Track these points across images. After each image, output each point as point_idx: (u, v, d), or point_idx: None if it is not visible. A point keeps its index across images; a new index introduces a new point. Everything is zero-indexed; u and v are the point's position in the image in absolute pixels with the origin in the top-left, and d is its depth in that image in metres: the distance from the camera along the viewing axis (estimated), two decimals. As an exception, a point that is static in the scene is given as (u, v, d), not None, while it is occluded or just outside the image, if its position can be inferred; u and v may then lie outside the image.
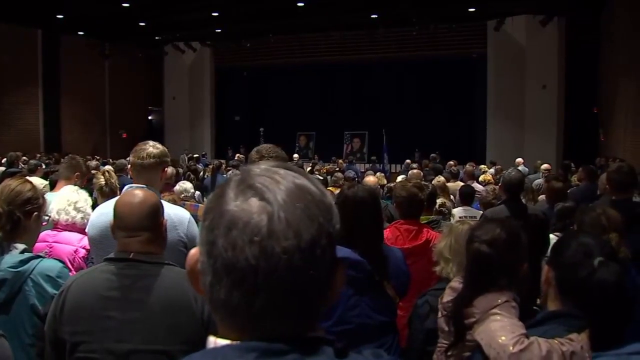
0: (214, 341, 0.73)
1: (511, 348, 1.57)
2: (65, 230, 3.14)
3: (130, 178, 3.86)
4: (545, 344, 1.52)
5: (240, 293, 0.69)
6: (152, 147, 2.63)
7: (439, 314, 2.19)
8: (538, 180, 7.76)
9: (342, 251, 2.23)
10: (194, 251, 0.77)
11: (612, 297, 1.47)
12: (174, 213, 2.49)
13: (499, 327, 1.68)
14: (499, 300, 1.80)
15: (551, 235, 3.87)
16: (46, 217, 2.56)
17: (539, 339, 1.55)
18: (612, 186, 4.04)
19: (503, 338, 1.62)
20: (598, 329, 1.47)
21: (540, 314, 1.69)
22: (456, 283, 2.14)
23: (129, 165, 2.85)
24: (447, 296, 2.15)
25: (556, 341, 1.51)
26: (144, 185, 2.42)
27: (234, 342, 0.71)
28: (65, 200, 3.21)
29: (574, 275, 1.54)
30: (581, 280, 1.51)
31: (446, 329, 2.12)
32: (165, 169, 2.72)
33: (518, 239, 1.95)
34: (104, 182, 3.87)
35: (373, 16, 16.85)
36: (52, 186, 4.29)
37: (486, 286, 1.87)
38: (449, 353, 2.05)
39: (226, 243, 0.69)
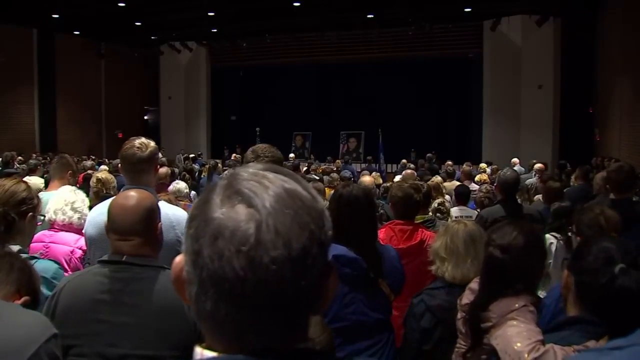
0: (200, 352, 0.70)
1: (526, 355, 1.55)
2: (62, 230, 3.13)
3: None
4: (561, 352, 1.50)
5: (227, 305, 0.65)
6: (139, 150, 2.50)
7: (458, 315, 2.17)
8: (530, 179, 7.78)
9: (337, 249, 2.24)
10: (178, 259, 0.74)
11: (632, 304, 1.42)
12: (172, 213, 2.48)
13: (515, 333, 1.66)
14: (516, 305, 1.77)
15: (547, 235, 3.88)
16: (41, 217, 2.54)
17: (555, 347, 1.52)
18: (612, 186, 4.05)
19: (519, 344, 1.60)
20: (618, 337, 1.45)
21: (558, 319, 1.66)
22: (475, 284, 2.10)
23: (119, 166, 2.81)
24: (466, 298, 2.12)
25: (572, 348, 1.49)
26: (143, 187, 2.38)
27: (221, 355, 0.68)
28: (62, 200, 3.21)
29: (594, 281, 1.50)
30: (601, 287, 1.47)
31: (463, 330, 2.10)
32: (157, 165, 2.65)
33: (536, 243, 1.91)
34: (96, 190, 3.88)
35: (369, 16, 16.85)
36: (47, 186, 4.30)
37: (501, 291, 1.83)
38: (468, 355, 2.03)
39: (212, 253, 0.65)
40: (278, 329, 0.67)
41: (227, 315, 0.66)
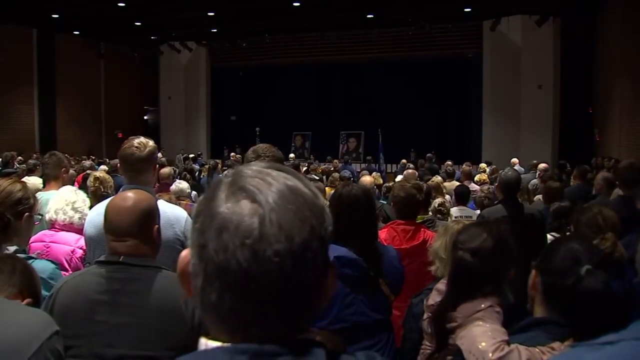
0: (205, 343, 0.73)
1: (490, 355, 1.54)
2: (63, 230, 3.14)
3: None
4: (525, 352, 1.49)
5: (232, 296, 0.68)
6: (138, 150, 2.50)
7: (424, 316, 2.16)
8: (534, 180, 7.78)
9: (338, 250, 2.23)
10: (184, 253, 0.76)
11: (598, 306, 1.42)
12: (171, 211, 2.47)
13: (480, 333, 1.65)
14: (482, 305, 1.76)
15: (548, 235, 3.88)
16: (39, 217, 2.53)
17: (520, 347, 1.52)
18: (621, 182, 4.19)
19: (483, 344, 1.59)
20: (583, 338, 1.44)
21: (524, 320, 1.65)
22: (442, 285, 2.10)
23: (118, 165, 2.80)
24: (432, 298, 2.12)
25: (537, 349, 1.49)
26: (142, 186, 2.37)
27: (225, 345, 0.70)
28: (63, 200, 3.21)
29: (560, 282, 1.50)
30: (568, 288, 1.47)
31: (429, 331, 2.09)
32: (156, 165, 2.65)
33: (505, 245, 1.87)
34: (94, 189, 3.89)
35: (369, 16, 16.85)
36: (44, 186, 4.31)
37: (470, 293, 1.81)
38: (435, 356, 2.00)
39: (217, 246, 0.68)
40: (280, 320, 0.70)
41: (231, 306, 0.68)
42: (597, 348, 0.77)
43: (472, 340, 1.64)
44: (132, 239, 1.83)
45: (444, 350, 1.92)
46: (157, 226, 1.93)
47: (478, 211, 5.73)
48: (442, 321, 1.87)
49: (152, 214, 1.92)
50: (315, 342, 0.73)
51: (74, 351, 1.72)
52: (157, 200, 2.13)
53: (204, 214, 0.71)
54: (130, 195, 1.91)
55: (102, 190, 3.89)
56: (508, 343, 1.57)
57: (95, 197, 3.81)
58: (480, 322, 1.70)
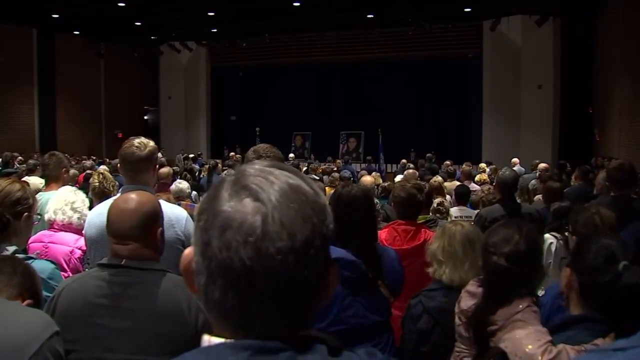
0: (208, 339, 0.73)
1: (540, 357, 1.53)
2: (62, 230, 3.13)
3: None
4: (573, 352, 1.49)
5: (235, 294, 0.69)
6: (138, 149, 2.50)
7: (457, 320, 2.12)
8: (534, 181, 7.78)
9: (337, 251, 2.23)
10: (188, 251, 0.77)
11: (638, 301, 1.42)
12: (171, 211, 2.46)
13: (524, 335, 1.63)
14: (520, 307, 1.75)
15: (546, 235, 3.88)
16: (37, 217, 2.53)
17: (567, 347, 1.51)
18: (612, 183, 4.14)
19: (530, 347, 1.57)
20: (624, 333, 1.43)
21: (561, 319, 1.65)
22: (473, 287, 2.07)
23: (118, 165, 2.80)
24: (465, 301, 2.09)
25: (583, 347, 1.48)
26: (141, 186, 2.36)
27: (228, 341, 0.71)
28: (62, 200, 3.21)
29: (597, 280, 1.50)
30: (605, 285, 1.47)
31: (465, 335, 2.05)
32: (156, 165, 2.65)
33: (536, 245, 1.88)
34: (97, 184, 3.88)
35: (369, 16, 16.84)
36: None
37: (507, 297, 1.80)
38: None
39: (221, 244, 0.69)
40: (282, 317, 0.71)
41: (234, 303, 0.69)
42: (609, 355, 0.77)
43: (517, 342, 1.63)
44: (134, 242, 1.81)
45: (486, 355, 1.89)
46: (160, 229, 1.91)
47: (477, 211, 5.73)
48: (482, 326, 1.85)
49: (155, 217, 1.89)
50: (317, 338, 0.74)
51: (74, 355, 1.71)
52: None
53: (208, 212, 0.72)
54: (133, 198, 1.88)
55: (105, 185, 3.88)
56: (553, 343, 1.56)
57: (98, 195, 3.79)
58: (522, 324, 1.69)
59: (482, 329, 1.85)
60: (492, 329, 1.81)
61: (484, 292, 1.95)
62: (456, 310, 2.14)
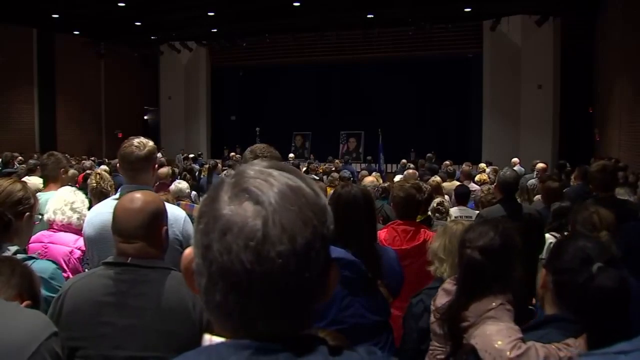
0: (209, 339, 0.74)
1: (508, 353, 1.54)
2: (61, 230, 3.13)
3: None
4: (542, 349, 1.50)
5: (236, 297, 0.69)
6: (137, 149, 2.52)
7: (432, 317, 2.15)
8: (532, 180, 7.78)
9: (337, 251, 2.23)
10: (188, 251, 0.77)
11: (611, 303, 1.43)
12: (170, 212, 2.45)
13: (494, 332, 1.65)
14: (493, 304, 1.76)
15: (547, 235, 3.89)
16: (38, 217, 2.53)
17: (537, 344, 1.52)
18: (596, 185, 4.13)
19: (499, 343, 1.59)
20: (596, 334, 1.44)
21: (536, 318, 1.66)
22: (449, 285, 2.10)
23: (117, 165, 2.81)
24: (440, 298, 2.11)
25: (553, 346, 1.49)
26: (141, 186, 2.37)
27: (229, 340, 0.72)
28: (62, 200, 3.20)
29: (572, 281, 1.50)
30: (579, 286, 1.47)
31: (439, 332, 2.08)
32: (156, 164, 2.66)
33: (513, 242, 1.89)
34: (95, 184, 3.89)
35: (369, 16, 16.84)
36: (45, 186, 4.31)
37: (481, 292, 1.82)
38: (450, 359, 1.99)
39: (221, 247, 0.69)
40: (283, 318, 0.71)
41: (235, 306, 0.70)
42: (611, 357, 0.77)
43: (487, 339, 1.64)
44: (140, 240, 1.83)
45: (460, 352, 1.90)
46: (165, 227, 1.93)
47: (477, 211, 5.73)
48: (455, 322, 1.87)
49: (160, 216, 1.92)
50: (317, 338, 0.74)
51: (82, 352, 1.73)
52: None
53: (208, 215, 0.72)
54: (138, 197, 1.90)
55: (103, 186, 3.89)
56: (523, 340, 1.57)
57: (96, 196, 3.80)
58: (494, 321, 1.70)
59: (456, 325, 1.86)
60: (464, 325, 1.82)
61: (457, 288, 1.97)
62: (431, 308, 2.16)
